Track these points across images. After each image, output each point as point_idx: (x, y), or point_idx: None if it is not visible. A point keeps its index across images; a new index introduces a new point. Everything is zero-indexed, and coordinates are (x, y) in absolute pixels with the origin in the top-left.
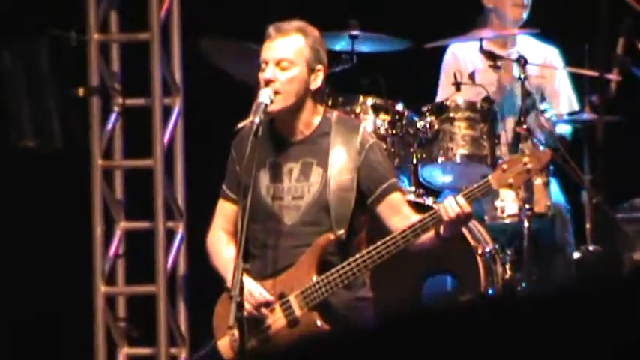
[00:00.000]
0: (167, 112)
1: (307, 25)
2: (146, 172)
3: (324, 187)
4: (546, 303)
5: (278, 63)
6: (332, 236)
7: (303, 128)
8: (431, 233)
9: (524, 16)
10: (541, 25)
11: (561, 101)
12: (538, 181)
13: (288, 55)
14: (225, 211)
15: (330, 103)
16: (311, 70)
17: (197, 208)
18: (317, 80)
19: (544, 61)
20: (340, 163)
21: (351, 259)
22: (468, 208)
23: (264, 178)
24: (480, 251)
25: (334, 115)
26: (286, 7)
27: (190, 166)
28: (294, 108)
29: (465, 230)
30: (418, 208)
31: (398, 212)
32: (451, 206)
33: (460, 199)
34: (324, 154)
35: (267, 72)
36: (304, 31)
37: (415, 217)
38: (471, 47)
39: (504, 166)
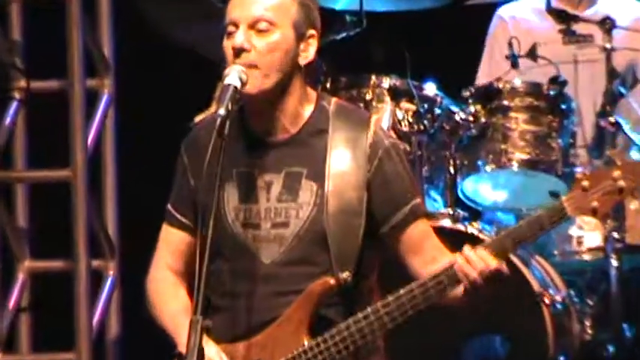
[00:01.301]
0: (92, 100)
1: None
2: (61, 187)
3: (319, 210)
4: None
5: (253, 25)
6: (332, 281)
7: (287, 123)
8: (459, 288)
9: None
10: None
11: None
12: (633, 205)
13: (267, 14)
14: (172, 242)
15: (328, 85)
16: (300, 37)
17: (134, 239)
18: (308, 51)
19: (638, 24)
20: (342, 175)
21: (360, 315)
22: (493, 264)
23: (231, 196)
24: (547, 301)
25: (333, 102)
26: None
27: (124, 178)
28: (277, 91)
29: (524, 271)
30: (457, 238)
31: (420, 250)
32: (470, 259)
33: (481, 251)
34: (318, 160)
35: (238, 37)
36: None
37: (444, 259)
38: (530, 7)
39: (585, 183)
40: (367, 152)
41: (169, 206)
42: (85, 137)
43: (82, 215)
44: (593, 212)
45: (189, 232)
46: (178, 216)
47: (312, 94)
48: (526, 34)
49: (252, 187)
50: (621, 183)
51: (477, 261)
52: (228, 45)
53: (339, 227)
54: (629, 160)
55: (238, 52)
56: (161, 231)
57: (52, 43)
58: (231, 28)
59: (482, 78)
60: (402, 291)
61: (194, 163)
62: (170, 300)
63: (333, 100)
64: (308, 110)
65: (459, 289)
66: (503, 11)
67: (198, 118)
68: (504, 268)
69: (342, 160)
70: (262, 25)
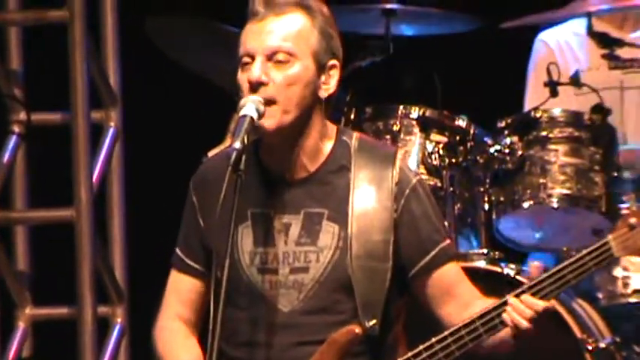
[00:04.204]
0: (97, 133)
1: None
2: (64, 228)
3: (342, 254)
4: None
5: (270, 56)
6: (357, 330)
7: (306, 160)
8: (505, 331)
9: None
10: None
11: None
12: None
13: (285, 44)
14: (181, 290)
15: (351, 116)
16: (321, 68)
17: (144, 283)
18: (329, 83)
19: None
20: (367, 215)
21: None
22: (541, 306)
23: (245, 239)
24: (590, 348)
25: (354, 137)
26: None
27: (132, 218)
28: (295, 127)
29: (566, 315)
30: (492, 280)
31: (452, 295)
32: (518, 311)
33: (527, 298)
34: (340, 200)
35: (254, 70)
36: (308, 7)
37: (479, 303)
38: (571, 31)
39: (632, 220)
40: (393, 191)
41: (177, 250)
42: (90, 174)
43: (87, 258)
44: None
45: (200, 279)
46: (188, 261)
47: (332, 128)
48: (570, 60)
49: (268, 229)
50: None
51: (525, 309)
52: (243, 78)
53: (364, 273)
54: None
55: (255, 86)
56: (169, 277)
57: (53, 72)
58: (246, 60)
59: (529, 106)
60: (446, 332)
61: (204, 203)
62: (180, 351)
63: (355, 134)
64: (328, 146)
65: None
66: (545, 36)
67: (211, 153)
68: (552, 305)
69: (366, 200)
70: (281, 57)
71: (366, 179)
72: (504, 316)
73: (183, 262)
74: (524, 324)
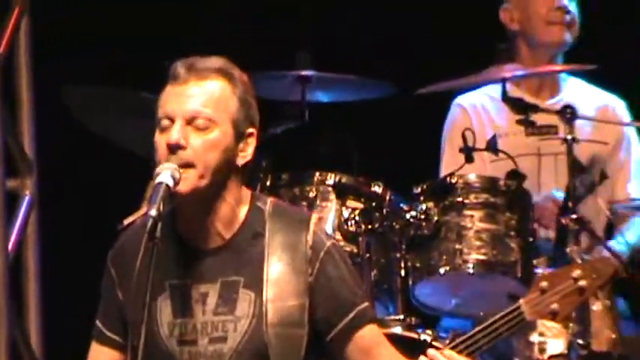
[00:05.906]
0: (11, 203)
1: (232, 65)
2: None
3: (258, 322)
4: None
5: (190, 121)
6: None
7: (221, 227)
8: None
9: (568, 38)
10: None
11: (632, 179)
12: (596, 306)
13: (206, 110)
14: None
15: (267, 183)
16: (239, 135)
17: (60, 353)
18: (247, 151)
19: (604, 114)
20: (281, 281)
21: None
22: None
23: (164, 311)
24: None
25: (269, 203)
26: (201, 38)
27: (49, 288)
28: (211, 193)
29: None
30: (410, 346)
31: (372, 357)
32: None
33: (448, 351)
34: (255, 267)
35: (173, 133)
36: (230, 74)
37: None
38: (488, 95)
39: (543, 284)
40: (307, 255)
41: (97, 322)
42: (6, 242)
43: (4, 326)
44: (553, 315)
45: (120, 350)
46: (107, 333)
47: (247, 193)
48: (487, 125)
49: (186, 299)
50: (582, 283)
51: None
52: (161, 140)
53: (280, 340)
54: (590, 257)
55: (173, 148)
56: (90, 350)
57: None
58: (165, 123)
59: (445, 172)
60: None
61: (122, 276)
62: None
63: (270, 199)
64: (243, 212)
65: None
66: (462, 100)
67: (127, 221)
68: None
69: (281, 266)
70: (200, 122)
71: (281, 245)
72: None
73: (102, 334)
74: None
